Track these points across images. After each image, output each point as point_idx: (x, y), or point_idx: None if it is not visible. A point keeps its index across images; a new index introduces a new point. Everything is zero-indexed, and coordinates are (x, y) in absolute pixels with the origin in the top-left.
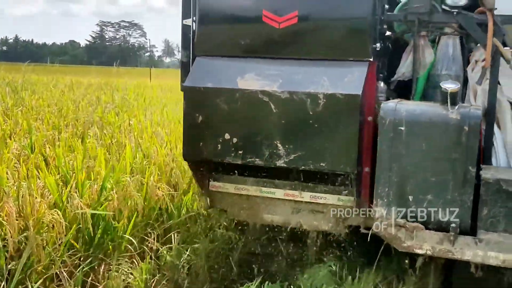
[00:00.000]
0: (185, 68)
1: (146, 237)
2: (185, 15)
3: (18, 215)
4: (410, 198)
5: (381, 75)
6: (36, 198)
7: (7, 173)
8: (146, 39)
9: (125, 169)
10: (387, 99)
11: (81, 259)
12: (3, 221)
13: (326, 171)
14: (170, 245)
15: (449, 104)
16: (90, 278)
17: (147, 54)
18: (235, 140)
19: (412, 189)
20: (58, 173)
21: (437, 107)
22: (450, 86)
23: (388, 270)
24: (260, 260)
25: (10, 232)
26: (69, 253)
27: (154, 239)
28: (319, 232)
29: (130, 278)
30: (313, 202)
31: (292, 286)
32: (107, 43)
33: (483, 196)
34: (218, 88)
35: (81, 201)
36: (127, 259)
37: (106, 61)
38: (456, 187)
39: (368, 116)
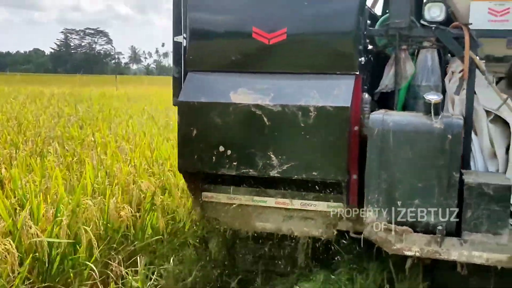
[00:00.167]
0: (176, 83)
1: (109, 262)
2: (176, 32)
3: None
4: (399, 203)
5: (365, 87)
6: None
7: None
8: (112, 46)
9: (86, 190)
10: (372, 109)
11: None
12: None
13: (318, 180)
14: (136, 268)
15: (432, 114)
16: None
17: (113, 61)
18: (229, 152)
19: (400, 195)
20: (14, 196)
21: (421, 117)
22: (433, 97)
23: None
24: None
25: None
26: (24, 284)
27: (118, 263)
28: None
29: None
30: (303, 209)
31: None
32: (72, 51)
33: (466, 199)
34: (212, 103)
35: (36, 228)
36: (89, 287)
37: (71, 69)
38: (442, 192)
39: (355, 126)
